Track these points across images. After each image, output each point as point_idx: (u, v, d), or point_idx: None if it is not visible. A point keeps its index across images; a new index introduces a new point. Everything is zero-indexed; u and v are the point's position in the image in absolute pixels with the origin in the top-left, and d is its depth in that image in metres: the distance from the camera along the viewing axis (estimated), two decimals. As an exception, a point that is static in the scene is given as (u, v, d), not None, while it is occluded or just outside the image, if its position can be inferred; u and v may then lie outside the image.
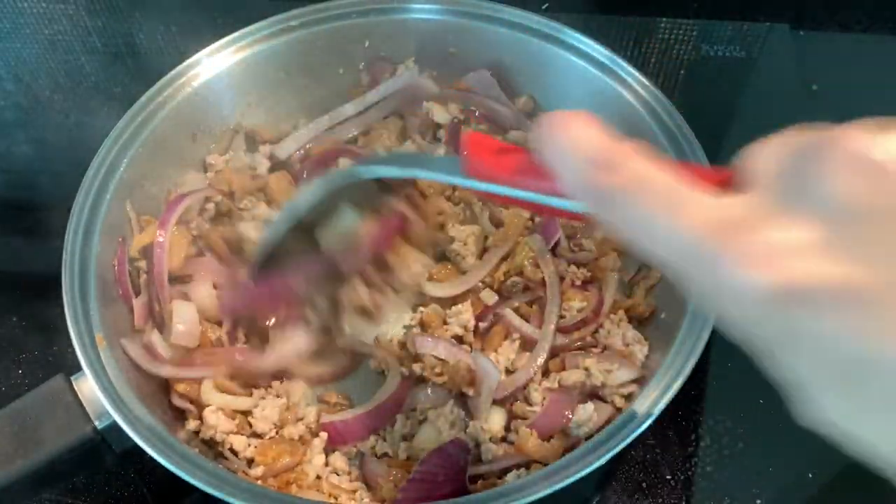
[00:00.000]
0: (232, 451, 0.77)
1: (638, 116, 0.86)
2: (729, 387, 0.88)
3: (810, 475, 0.81)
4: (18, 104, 1.19)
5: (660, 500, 0.81)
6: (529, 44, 0.94)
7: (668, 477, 0.82)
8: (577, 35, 0.92)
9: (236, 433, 0.78)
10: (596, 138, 0.39)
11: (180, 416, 0.80)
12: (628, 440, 0.64)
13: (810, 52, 1.19)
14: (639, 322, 0.84)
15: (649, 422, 0.65)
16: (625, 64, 0.89)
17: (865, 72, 1.16)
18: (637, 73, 0.88)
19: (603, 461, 0.64)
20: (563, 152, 0.40)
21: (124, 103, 0.87)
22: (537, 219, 0.91)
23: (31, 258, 1.02)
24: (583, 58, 0.91)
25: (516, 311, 0.85)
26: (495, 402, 0.80)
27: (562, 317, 0.84)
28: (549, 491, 0.62)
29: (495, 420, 0.79)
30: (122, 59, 1.20)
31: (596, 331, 0.83)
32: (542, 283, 0.86)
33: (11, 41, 1.24)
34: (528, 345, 0.83)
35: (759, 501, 0.80)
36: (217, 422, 0.77)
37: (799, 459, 0.82)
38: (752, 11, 1.22)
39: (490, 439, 0.78)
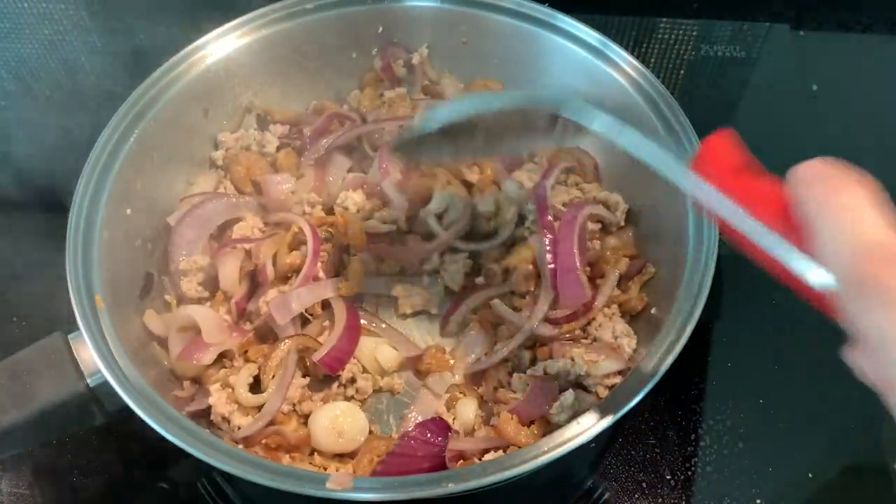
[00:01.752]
0: (225, 419, 0.78)
1: (631, 100, 0.88)
2: (729, 387, 0.88)
3: (810, 475, 0.81)
4: (19, 104, 1.19)
5: (660, 500, 0.81)
6: (530, 32, 0.96)
7: (668, 477, 0.82)
8: (569, 20, 0.94)
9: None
10: (876, 225, 0.34)
11: (176, 381, 0.81)
12: (596, 432, 0.66)
13: (810, 52, 1.20)
14: (631, 316, 0.86)
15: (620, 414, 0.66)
16: (615, 47, 0.91)
17: (865, 72, 1.16)
18: (628, 56, 0.90)
19: (572, 447, 0.65)
20: (834, 226, 0.35)
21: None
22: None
23: (33, 259, 1.02)
24: (576, 42, 0.93)
25: (508, 301, 0.87)
26: (465, 395, 0.82)
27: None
28: (529, 468, 0.64)
29: (468, 411, 0.80)
30: (122, 59, 1.20)
31: (588, 323, 0.84)
32: (537, 275, 0.86)
33: (12, 41, 1.25)
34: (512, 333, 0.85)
35: (758, 501, 0.80)
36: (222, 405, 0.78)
37: (799, 459, 0.82)
38: (752, 11, 1.22)
39: (469, 420, 0.80)
